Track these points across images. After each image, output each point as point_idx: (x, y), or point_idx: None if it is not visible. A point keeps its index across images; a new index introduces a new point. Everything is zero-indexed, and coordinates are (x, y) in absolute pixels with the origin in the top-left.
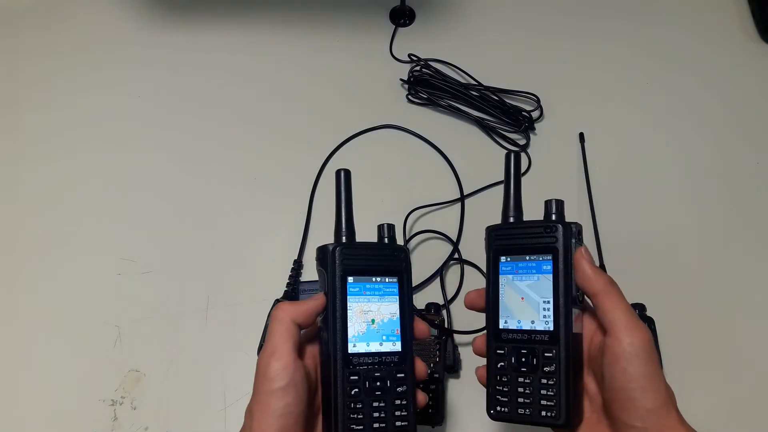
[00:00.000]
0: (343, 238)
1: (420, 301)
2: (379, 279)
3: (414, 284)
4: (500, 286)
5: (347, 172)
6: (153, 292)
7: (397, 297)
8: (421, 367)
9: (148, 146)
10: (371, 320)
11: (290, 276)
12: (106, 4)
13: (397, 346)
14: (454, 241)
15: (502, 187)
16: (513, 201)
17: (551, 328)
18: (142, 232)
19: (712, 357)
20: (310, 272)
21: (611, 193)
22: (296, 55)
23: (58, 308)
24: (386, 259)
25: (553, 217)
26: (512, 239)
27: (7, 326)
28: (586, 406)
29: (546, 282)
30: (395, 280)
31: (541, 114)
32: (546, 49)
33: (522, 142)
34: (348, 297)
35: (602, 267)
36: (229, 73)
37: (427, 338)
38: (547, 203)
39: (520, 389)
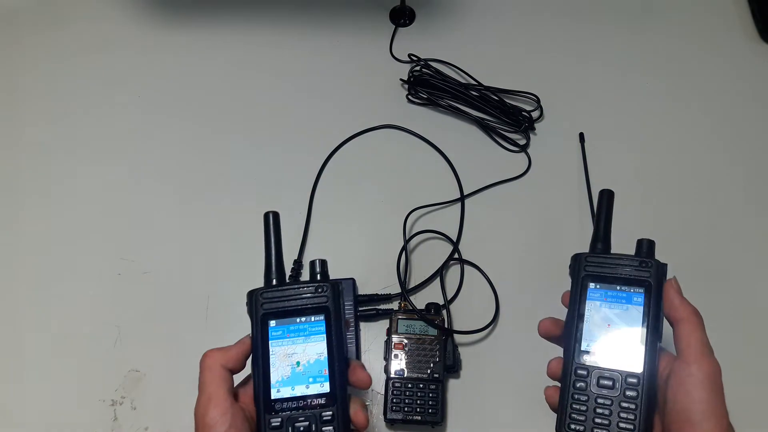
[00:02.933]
0: (273, 280)
1: (420, 301)
2: (303, 319)
3: (414, 284)
4: (586, 310)
5: (276, 215)
6: (153, 292)
7: (324, 336)
8: (357, 409)
9: (148, 146)
10: (296, 363)
11: (290, 276)
12: (106, 4)
13: (325, 387)
14: (454, 241)
15: (501, 186)
16: (603, 233)
17: (640, 370)
18: (142, 232)
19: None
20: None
21: None
22: (296, 55)
23: (58, 308)
24: (310, 297)
25: (644, 254)
26: (605, 268)
27: (7, 326)
28: None
29: (636, 312)
30: (321, 318)
31: (541, 114)
32: (546, 49)
33: (522, 142)
34: (271, 341)
35: None
36: (229, 72)
37: (367, 389)
38: (640, 242)
39: (599, 410)
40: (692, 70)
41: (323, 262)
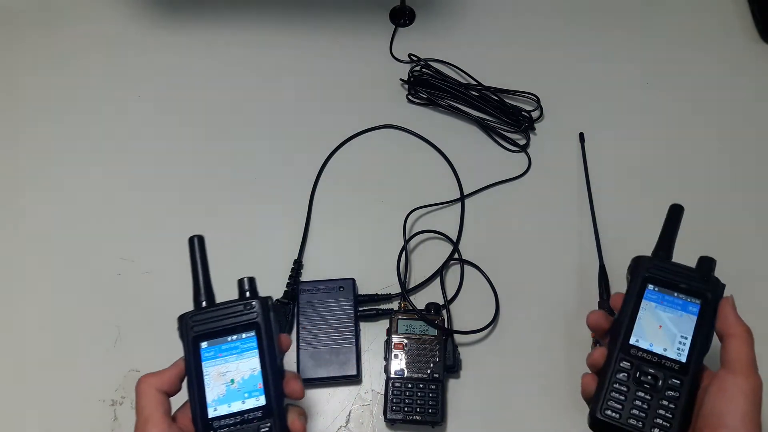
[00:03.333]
0: (203, 303)
1: (420, 301)
2: (234, 337)
3: (414, 284)
4: (641, 308)
5: (200, 238)
6: (153, 292)
7: (256, 350)
8: (294, 418)
9: (148, 146)
10: (231, 380)
11: (290, 276)
12: (106, 4)
13: (261, 401)
14: (454, 241)
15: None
16: (668, 243)
17: (683, 360)
18: (142, 232)
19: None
20: (310, 272)
21: (611, 193)
22: (296, 56)
23: (58, 308)
24: (238, 315)
25: (705, 270)
26: (667, 274)
27: (7, 326)
28: None
29: (689, 320)
30: (252, 334)
31: (541, 114)
32: (546, 49)
33: (522, 142)
34: (204, 362)
35: (602, 267)
36: (228, 73)
37: (300, 398)
38: (702, 259)
39: (638, 402)
40: (692, 70)
41: (251, 279)
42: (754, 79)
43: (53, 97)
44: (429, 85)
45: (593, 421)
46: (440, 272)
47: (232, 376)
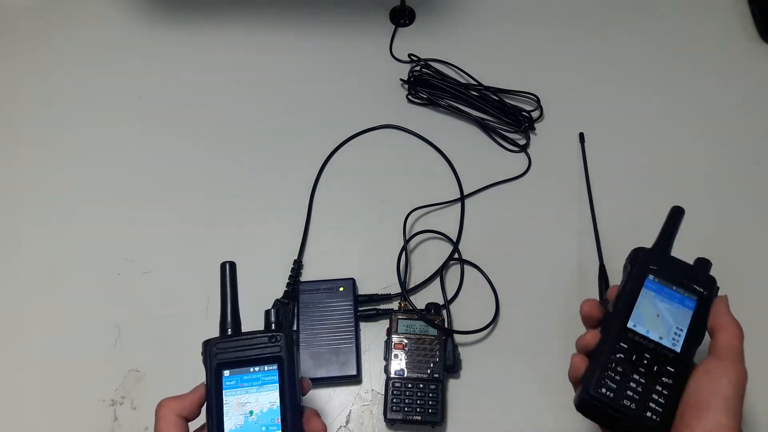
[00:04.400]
0: (228, 330)
1: (420, 301)
2: (257, 368)
3: (414, 284)
4: (640, 295)
5: (232, 265)
6: (153, 292)
7: (277, 384)
8: (311, 415)
9: (148, 146)
10: (249, 412)
11: (290, 276)
12: (107, 4)
13: None
14: (454, 241)
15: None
16: (668, 240)
17: (678, 350)
18: (142, 232)
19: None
20: (310, 272)
21: (611, 193)
22: (296, 55)
23: (58, 308)
24: (262, 347)
25: (702, 270)
26: (667, 267)
27: (7, 326)
28: None
29: (685, 314)
30: (274, 367)
31: (541, 114)
32: (546, 49)
33: (522, 142)
34: (224, 390)
35: (602, 267)
36: (228, 73)
37: None
38: (699, 260)
39: (632, 384)
40: (692, 70)
41: (278, 312)
42: (754, 79)
43: (53, 97)
44: (429, 85)
45: (583, 399)
46: (440, 272)
47: (252, 408)
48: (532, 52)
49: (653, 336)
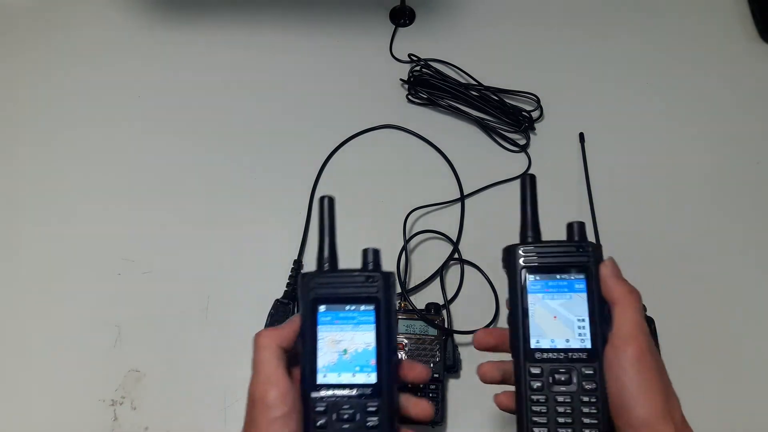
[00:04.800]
0: (325, 265)
1: (420, 301)
2: (353, 307)
3: (414, 284)
4: (529, 305)
5: (331, 199)
6: (153, 292)
7: (374, 326)
8: (417, 404)
9: (148, 146)
10: (344, 350)
11: (290, 276)
12: (107, 4)
13: (372, 378)
14: (454, 241)
15: (501, 186)
16: (532, 220)
17: (589, 346)
18: (142, 232)
19: (712, 358)
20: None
21: (611, 193)
22: (296, 55)
23: (58, 308)
24: (360, 286)
25: (576, 238)
26: (541, 258)
27: (7, 326)
28: None
29: (580, 300)
30: (371, 308)
31: (541, 114)
32: (546, 49)
33: (522, 142)
34: (318, 326)
35: None
36: (228, 73)
37: (424, 382)
38: (571, 225)
39: (560, 408)
40: (692, 70)
41: (376, 252)
42: (754, 79)
43: (53, 97)
44: (429, 85)
45: None
46: (440, 272)
47: (346, 347)
48: (532, 52)
49: (559, 344)
